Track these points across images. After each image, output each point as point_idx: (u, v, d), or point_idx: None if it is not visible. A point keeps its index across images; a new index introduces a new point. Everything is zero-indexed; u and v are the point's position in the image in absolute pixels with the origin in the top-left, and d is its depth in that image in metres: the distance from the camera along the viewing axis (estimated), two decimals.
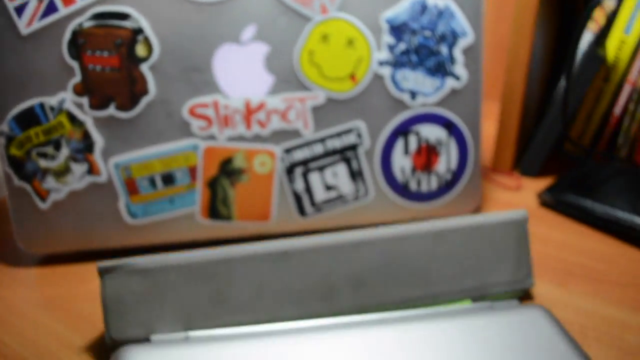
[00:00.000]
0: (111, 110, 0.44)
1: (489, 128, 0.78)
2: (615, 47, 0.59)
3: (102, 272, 0.35)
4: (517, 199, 0.58)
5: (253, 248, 0.36)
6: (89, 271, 0.46)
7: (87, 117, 0.44)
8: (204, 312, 0.36)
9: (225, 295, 0.36)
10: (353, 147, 0.47)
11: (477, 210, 0.56)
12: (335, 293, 0.37)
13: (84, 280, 0.45)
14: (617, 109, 0.61)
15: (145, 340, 0.35)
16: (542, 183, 0.62)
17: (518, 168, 0.65)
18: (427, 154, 0.49)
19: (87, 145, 0.44)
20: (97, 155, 0.45)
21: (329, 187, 0.48)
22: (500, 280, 0.39)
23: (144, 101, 0.44)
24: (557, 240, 0.51)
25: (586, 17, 0.53)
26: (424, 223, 0.39)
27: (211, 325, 0.36)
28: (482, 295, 0.39)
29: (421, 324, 0.35)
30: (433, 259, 0.38)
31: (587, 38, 0.61)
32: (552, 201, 0.55)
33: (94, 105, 0.44)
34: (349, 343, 0.33)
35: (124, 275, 0.35)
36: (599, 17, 0.61)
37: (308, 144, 0.47)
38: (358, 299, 0.38)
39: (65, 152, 0.44)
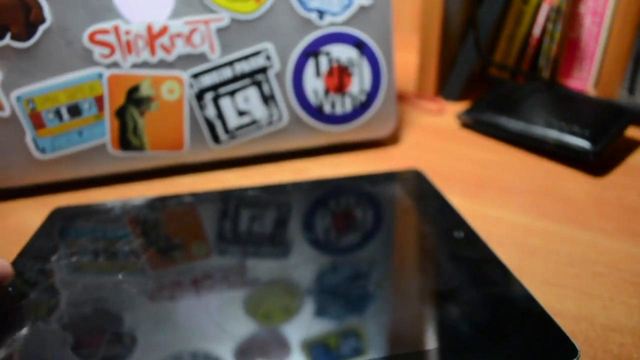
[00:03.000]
0: (7, 41, 0.42)
1: (414, 58, 0.78)
2: None
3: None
4: (438, 121, 0.59)
5: None
6: None
7: None
8: None
9: None
10: (263, 70, 0.47)
11: (395, 131, 0.56)
12: None
13: None
14: (537, 30, 0.62)
15: None
16: (465, 106, 0.62)
17: (441, 93, 0.65)
18: (339, 75, 0.48)
19: None
20: None
21: (241, 113, 0.47)
22: None
23: (41, 29, 0.42)
24: (472, 157, 0.51)
25: None
26: None
27: None
28: None
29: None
30: None
31: None
32: (470, 121, 0.56)
33: None
34: None
35: None
36: None
37: (216, 68, 0.46)
38: None
39: None
